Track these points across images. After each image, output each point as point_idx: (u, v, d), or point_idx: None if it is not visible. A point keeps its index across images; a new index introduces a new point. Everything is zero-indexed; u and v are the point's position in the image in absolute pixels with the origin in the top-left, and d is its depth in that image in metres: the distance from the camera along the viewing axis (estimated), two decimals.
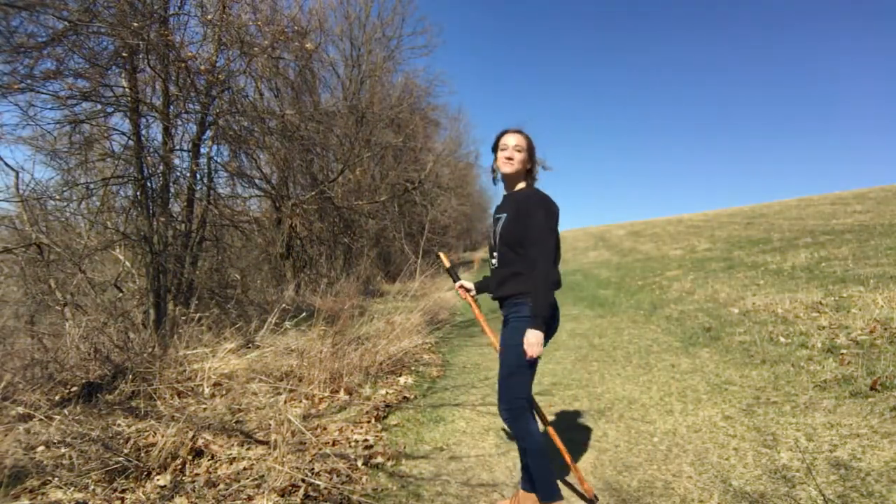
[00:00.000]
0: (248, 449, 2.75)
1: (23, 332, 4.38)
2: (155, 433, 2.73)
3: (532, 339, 1.98)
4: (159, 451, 2.52)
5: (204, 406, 3.34)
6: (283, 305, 5.83)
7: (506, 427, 2.21)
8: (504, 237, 2.10)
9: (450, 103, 40.38)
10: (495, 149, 2.21)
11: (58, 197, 5.12)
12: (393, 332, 5.11)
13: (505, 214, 2.13)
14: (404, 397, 3.93)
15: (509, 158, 2.14)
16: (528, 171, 2.19)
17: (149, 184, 5.17)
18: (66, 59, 4.35)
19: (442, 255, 2.72)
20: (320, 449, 2.75)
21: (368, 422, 3.30)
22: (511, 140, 2.15)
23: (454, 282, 2.47)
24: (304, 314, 5.37)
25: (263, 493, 2.28)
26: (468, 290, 2.44)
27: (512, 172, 2.14)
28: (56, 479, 2.32)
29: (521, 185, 2.19)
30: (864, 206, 14.56)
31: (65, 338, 3.91)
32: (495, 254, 2.17)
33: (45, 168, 15.83)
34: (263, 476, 2.43)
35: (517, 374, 2.08)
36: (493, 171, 2.26)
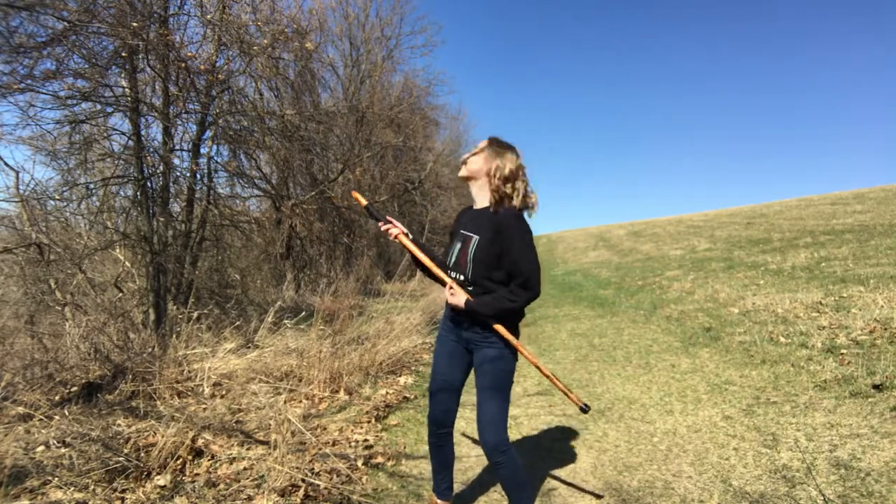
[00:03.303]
0: (248, 449, 2.75)
1: (23, 332, 4.38)
2: (155, 433, 2.73)
3: (458, 299, 1.91)
4: (159, 451, 2.52)
5: (204, 406, 3.34)
6: (280, 304, 5.82)
7: (497, 463, 1.92)
8: (481, 259, 1.93)
9: (450, 103, 40.48)
10: (520, 171, 1.94)
11: (58, 197, 5.12)
12: (393, 332, 5.10)
13: (476, 236, 1.94)
14: (404, 397, 3.93)
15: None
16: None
17: (149, 184, 5.17)
18: (65, 59, 4.35)
19: (356, 194, 2.27)
20: (320, 449, 2.75)
21: (368, 422, 3.31)
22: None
23: (378, 221, 2.10)
24: (304, 314, 5.37)
25: (263, 493, 2.28)
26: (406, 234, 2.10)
27: None
28: (56, 479, 2.32)
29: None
30: (864, 206, 14.56)
31: (65, 338, 3.91)
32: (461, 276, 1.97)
33: (45, 168, 15.89)
34: (263, 476, 2.43)
35: (507, 399, 1.99)
36: (531, 206, 1.96)
